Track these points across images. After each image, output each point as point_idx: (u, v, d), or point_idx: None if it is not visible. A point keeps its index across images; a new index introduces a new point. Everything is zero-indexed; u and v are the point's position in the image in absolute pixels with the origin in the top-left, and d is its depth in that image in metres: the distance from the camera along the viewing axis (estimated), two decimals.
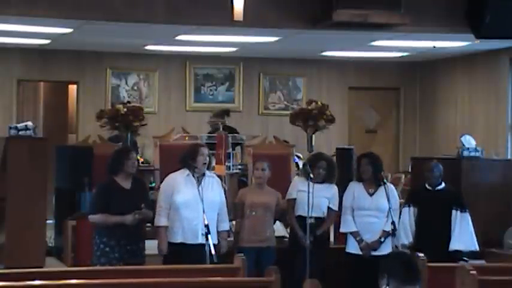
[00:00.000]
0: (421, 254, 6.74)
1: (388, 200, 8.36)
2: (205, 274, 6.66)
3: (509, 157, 13.27)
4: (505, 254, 10.37)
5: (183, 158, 7.98)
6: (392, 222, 8.19)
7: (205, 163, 7.88)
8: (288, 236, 9.16)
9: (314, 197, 8.38)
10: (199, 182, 7.81)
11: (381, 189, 8.50)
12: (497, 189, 11.10)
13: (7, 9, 10.33)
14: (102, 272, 6.63)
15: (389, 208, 8.32)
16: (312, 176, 8.39)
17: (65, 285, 6.14)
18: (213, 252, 7.20)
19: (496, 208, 11.01)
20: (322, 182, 8.58)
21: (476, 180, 11.05)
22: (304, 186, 8.53)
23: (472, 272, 6.30)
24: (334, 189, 8.73)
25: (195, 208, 7.75)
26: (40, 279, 6.07)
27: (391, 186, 8.66)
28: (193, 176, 7.85)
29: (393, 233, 8.23)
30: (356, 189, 8.61)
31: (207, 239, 7.28)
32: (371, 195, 8.55)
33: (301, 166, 9.84)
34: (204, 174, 7.89)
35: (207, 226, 7.33)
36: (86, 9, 10.66)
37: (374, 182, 8.56)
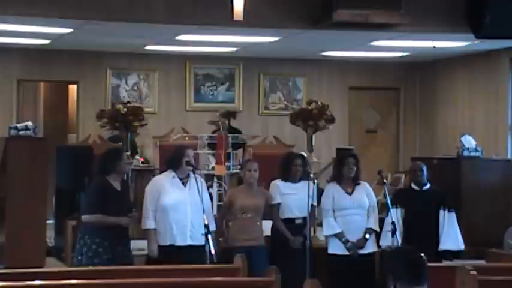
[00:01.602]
0: (422, 254, 6.74)
1: (367, 197, 8.48)
2: (205, 274, 6.66)
3: (509, 157, 13.27)
4: (505, 254, 10.36)
5: (169, 160, 8.00)
6: (392, 222, 8.19)
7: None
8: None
9: (299, 198, 8.38)
10: (185, 184, 7.82)
11: (359, 187, 8.56)
12: (497, 189, 11.12)
13: (7, 9, 10.33)
14: (102, 272, 6.62)
15: (369, 206, 8.41)
16: (311, 176, 8.38)
17: (65, 285, 6.14)
18: (213, 252, 7.19)
19: (496, 208, 11.03)
20: (299, 181, 8.56)
21: (476, 180, 11.06)
22: (287, 189, 8.55)
23: (472, 272, 6.30)
24: (312, 185, 8.73)
25: (183, 210, 7.76)
26: (40, 279, 6.07)
27: (366, 184, 8.68)
28: (179, 177, 7.85)
29: (393, 233, 8.22)
30: (334, 190, 8.59)
31: (206, 239, 7.26)
32: (350, 194, 8.56)
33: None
34: (189, 175, 7.86)
35: (206, 226, 7.32)
36: (86, 9, 10.66)
37: (352, 182, 8.59)
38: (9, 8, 10.36)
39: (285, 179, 8.62)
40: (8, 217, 9.95)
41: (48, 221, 10.46)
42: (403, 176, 13.51)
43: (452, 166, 11.14)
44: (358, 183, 8.58)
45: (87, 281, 6.20)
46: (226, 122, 12.57)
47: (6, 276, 6.24)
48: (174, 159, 7.93)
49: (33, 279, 6.04)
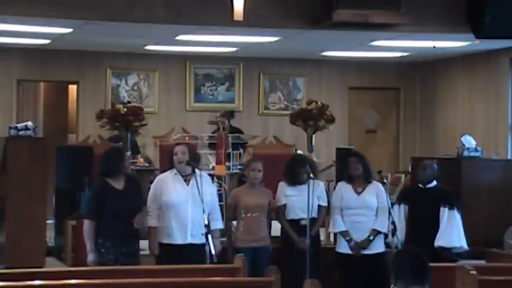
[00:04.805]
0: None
1: (377, 198, 8.44)
2: (205, 274, 6.66)
3: (509, 157, 13.28)
4: (505, 254, 10.37)
5: (169, 158, 8.02)
6: (393, 222, 8.20)
7: (180, 162, 7.82)
8: None
9: (303, 200, 8.36)
10: (187, 182, 7.81)
11: (370, 187, 8.55)
12: (497, 189, 11.10)
13: (7, 9, 10.33)
14: (102, 272, 6.62)
15: (378, 207, 8.39)
16: (311, 175, 8.37)
17: (65, 285, 6.14)
18: (213, 252, 7.19)
19: (496, 208, 11.01)
20: (306, 182, 8.55)
21: (476, 180, 11.05)
22: (291, 190, 8.58)
23: (472, 272, 6.31)
24: (320, 185, 8.74)
25: (183, 208, 7.74)
26: (40, 279, 6.07)
27: (378, 185, 8.65)
28: (181, 175, 7.85)
29: (393, 233, 8.22)
30: (344, 189, 8.63)
31: (207, 239, 7.26)
32: (359, 193, 8.57)
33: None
34: (193, 173, 7.82)
35: (207, 226, 7.31)
36: (86, 9, 10.67)
37: (363, 181, 8.59)
38: (9, 8, 10.36)
39: (291, 182, 8.62)
40: (8, 217, 9.94)
41: (48, 221, 10.45)
42: (403, 175, 13.51)
43: (452, 166, 11.12)
44: (370, 182, 8.59)
45: (87, 281, 6.21)
46: (226, 121, 12.55)
47: (6, 276, 6.24)
48: (170, 158, 7.96)
49: (33, 279, 6.04)
